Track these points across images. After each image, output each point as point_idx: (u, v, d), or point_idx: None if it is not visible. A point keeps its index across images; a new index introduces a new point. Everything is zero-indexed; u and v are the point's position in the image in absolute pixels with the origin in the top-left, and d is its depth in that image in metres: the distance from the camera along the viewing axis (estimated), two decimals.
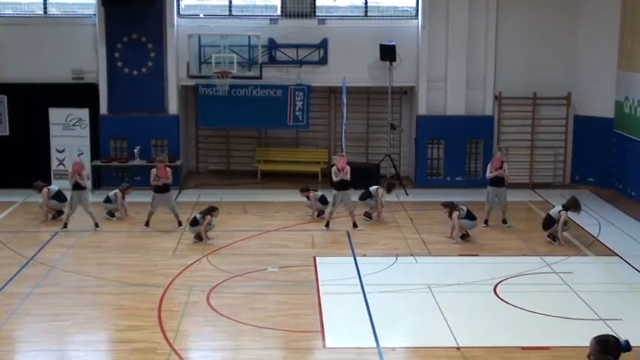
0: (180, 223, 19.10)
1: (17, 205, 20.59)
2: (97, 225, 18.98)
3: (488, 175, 19.32)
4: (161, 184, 19.08)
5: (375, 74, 23.65)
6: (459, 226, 18.08)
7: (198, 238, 17.87)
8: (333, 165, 19.46)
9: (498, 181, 19.30)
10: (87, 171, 20.07)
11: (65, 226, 18.94)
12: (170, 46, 23.32)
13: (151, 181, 19.20)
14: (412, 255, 17.28)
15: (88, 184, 20.89)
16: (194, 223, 17.98)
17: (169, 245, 17.81)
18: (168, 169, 19.35)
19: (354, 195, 19.55)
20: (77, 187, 18.83)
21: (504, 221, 19.53)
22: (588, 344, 6.75)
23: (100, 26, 23.15)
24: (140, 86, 23.31)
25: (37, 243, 17.94)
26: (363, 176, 21.31)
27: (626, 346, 6.77)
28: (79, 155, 22.12)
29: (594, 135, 23.55)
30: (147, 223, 19.19)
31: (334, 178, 19.03)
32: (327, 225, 19.22)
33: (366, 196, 20.18)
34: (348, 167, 19.02)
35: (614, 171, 23.10)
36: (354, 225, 19.15)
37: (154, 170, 19.28)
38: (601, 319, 13.45)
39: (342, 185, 19.00)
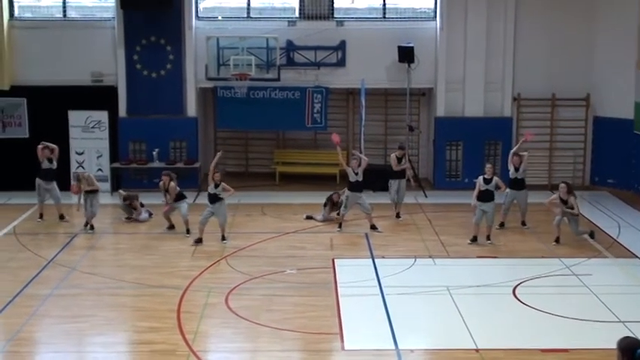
0: (188, 231, 18.97)
1: (36, 207, 20.65)
2: (91, 227, 19.13)
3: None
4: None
5: (393, 76, 23.63)
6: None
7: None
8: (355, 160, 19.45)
9: (518, 185, 19.14)
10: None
11: (90, 227, 19.13)
12: (189, 48, 23.38)
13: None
14: (431, 257, 17.25)
15: (107, 186, 21.13)
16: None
17: (188, 247, 17.84)
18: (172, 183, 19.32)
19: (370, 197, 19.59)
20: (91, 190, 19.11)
21: (523, 223, 19.41)
22: (610, 347, 6.75)
23: (118, 29, 23.25)
24: (159, 89, 23.38)
25: (56, 245, 18.03)
26: (381, 177, 21.30)
27: (639, 356, 6.73)
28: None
29: (614, 136, 23.43)
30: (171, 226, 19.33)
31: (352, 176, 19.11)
32: (340, 226, 19.27)
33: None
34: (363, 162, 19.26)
35: (633, 172, 22.98)
36: (373, 227, 19.12)
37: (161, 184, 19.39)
38: (620, 322, 13.38)
39: (356, 187, 19.03)
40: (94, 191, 19.07)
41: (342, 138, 25.00)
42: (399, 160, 20.34)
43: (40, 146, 20.14)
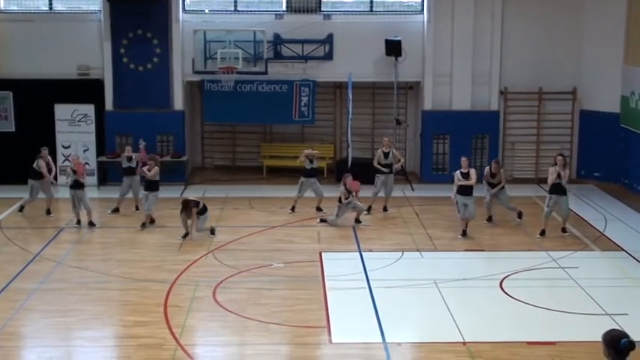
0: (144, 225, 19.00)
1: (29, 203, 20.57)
2: (92, 224, 19.06)
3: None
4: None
5: (381, 69, 23.63)
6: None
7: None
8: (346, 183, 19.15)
9: (559, 189, 18.17)
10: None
11: (79, 222, 19.09)
12: (175, 41, 23.32)
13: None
14: (418, 250, 17.28)
15: (94, 179, 21.08)
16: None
17: (175, 241, 17.81)
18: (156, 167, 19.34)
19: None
20: (77, 185, 18.93)
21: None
22: (596, 339, 6.78)
23: (105, 22, 23.17)
24: (145, 82, 23.32)
25: (43, 239, 17.97)
26: (369, 171, 21.27)
27: (624, 346, 6.77)
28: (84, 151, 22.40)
29: (600, 130, 23.51)
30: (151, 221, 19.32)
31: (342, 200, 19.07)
32: (324, 221, 19.31)
33: None
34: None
35: (620, 166, 23.06)
36: (357, 220, 19.19)
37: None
38: (607, 314, 13.45)
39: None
40: (82, 186, 18.98)
41: (329, 131, 25.20)
42: (386, 155, 20.31)
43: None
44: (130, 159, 20.08)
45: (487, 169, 19.25)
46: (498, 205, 19.44)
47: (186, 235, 17.85)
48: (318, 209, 20.23)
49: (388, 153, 20.37)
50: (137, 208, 20.15)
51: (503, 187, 19.10)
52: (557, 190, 18.09)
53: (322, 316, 13.45)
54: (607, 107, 23.24)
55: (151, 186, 18.89)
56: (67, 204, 19.36)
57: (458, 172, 18.44)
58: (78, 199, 18.90)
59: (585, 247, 17.60)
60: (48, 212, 20.00)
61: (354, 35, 23.58)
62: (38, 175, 19.89)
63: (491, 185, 19.05)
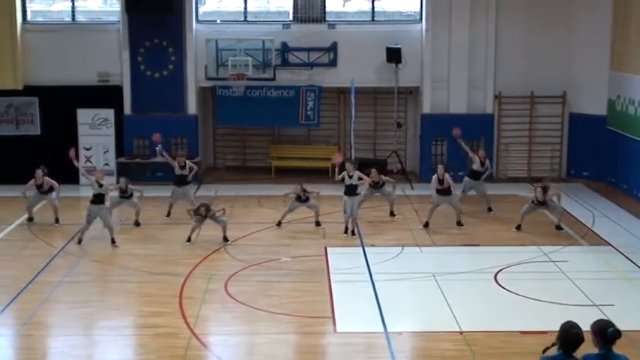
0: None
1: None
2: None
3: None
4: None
5: (382, 75, 23.62)
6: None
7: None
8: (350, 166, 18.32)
9: (478, 175, 18.99)
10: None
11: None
12: (189, 50, 23.34)
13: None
14: (417, 245, 17.28)
15: (113, 179, 21.07)
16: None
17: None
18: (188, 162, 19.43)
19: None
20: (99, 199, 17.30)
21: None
22: (584, 329, 6.79)
23: (123, 32, 23.21)
24: (161, 88, 23.34)
25: (66, 235, 17.98)
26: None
27: (611, 334, 6.79)
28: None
29: (588, 132, 23.46)
30: (168, 214, 19.32)
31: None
32: (351, 232, 18.09)
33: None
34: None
35: (606, 166, 23.02)
36: (352, 232, 18.02)
37: (175, 163, 19.40)
38: (594, 305, 13.45)
39: (351, 191, 18.04)
40: (103, 201, 17.26)
41: (333, 134, 25.20)
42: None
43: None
44: (183, 167, 19.51)
45: (435, 176, 18.78)
46: (500, 202, 19.46)
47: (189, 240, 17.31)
48: (352, 233, 18.15)
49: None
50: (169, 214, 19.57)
51: (450, 193, 18.64)
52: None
53: (327, 307, 13.47)
54: (595, 110, 23.20)
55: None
56: (86, 202, 19.06)
57: (434, 178, 18.59)
58: (97, 216, 17.26)
59: (574, 242, 17.59)
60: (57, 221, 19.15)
61: (356, 43, 23.57)
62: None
63: (441, 192, 18.57)
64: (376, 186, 19.32)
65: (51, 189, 18.95)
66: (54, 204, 19.01)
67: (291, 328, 12.78)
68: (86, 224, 17.28)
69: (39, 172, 18.83)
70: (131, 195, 18.62)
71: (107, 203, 17.71)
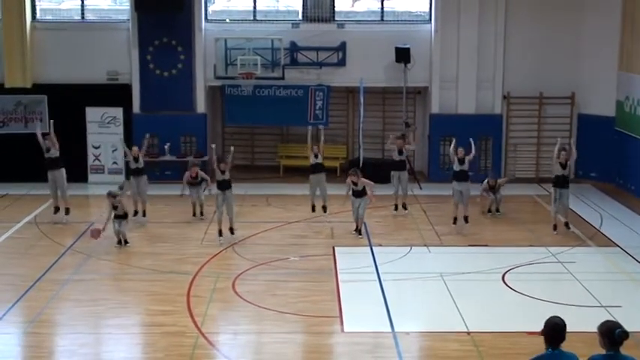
0: (202, 214, 19.16)
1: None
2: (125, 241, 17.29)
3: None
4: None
5: (391, 75, 23.59)
6: None
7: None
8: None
9: (563, 182, 18.14)
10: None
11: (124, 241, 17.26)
12: (198, 49, 23.35)
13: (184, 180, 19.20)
14: (425, 245, 17.26)
15: (122, 178, 21.09)
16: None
17: (197, 235, 17.84)
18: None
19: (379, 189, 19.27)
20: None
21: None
22: (592, 330, 6.77)
23: (133, 31, 23.23)
24: (170, 87, 23.36)
25: (74, 233, 18.02)
26: (380, 171, 21.26)
27: (618, 336, 6.78)
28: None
29: (596, 132, 23.39)
30: (194, 214, 19.29)
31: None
32: (357, 230, 17.93)
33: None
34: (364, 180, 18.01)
35: (615, 166, 22.96)
36: (359, 232, 17.87)
37: (187, 173, 19.26)
38: (602, 306, 13.42)
39: (358, 193, 17.85)
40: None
41: (342, 133, 25.17)
42: (400, 151, 20.08)
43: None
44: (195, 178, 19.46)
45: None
46: (509, 202, 19.43)
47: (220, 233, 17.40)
48: (359, 232, 18.04)
49: (401, 150, 19.84)
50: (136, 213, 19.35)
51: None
52: (561, 183, 18.06)
53: (335, 306, 13.46)
54: (603, 111, 23.14)
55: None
56: (95, 200, 19.13)
57: (455, 159, 18.43)
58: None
59: (582, 243, 17.54)
60: (61, 211, 19.16)
61: (365, 43, 23.55)
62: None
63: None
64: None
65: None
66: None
67: (298, 327, 12.78)
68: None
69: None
70: None
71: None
